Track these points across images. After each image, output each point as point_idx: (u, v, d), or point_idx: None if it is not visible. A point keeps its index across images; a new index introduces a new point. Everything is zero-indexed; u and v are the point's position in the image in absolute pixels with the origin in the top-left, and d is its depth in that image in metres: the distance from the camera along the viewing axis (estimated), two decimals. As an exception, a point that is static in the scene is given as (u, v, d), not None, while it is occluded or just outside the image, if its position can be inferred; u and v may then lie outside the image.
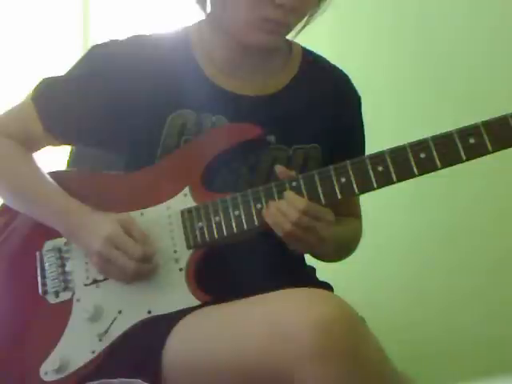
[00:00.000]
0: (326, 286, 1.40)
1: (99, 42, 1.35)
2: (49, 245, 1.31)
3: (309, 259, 1.41)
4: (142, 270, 1.21)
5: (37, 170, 1.33)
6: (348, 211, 1.41)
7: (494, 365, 1.93)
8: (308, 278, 1.39)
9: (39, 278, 1.30)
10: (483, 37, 2.02)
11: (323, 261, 1.40)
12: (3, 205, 1.37)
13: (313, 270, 1.44)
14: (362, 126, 1.46)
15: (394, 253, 2.15)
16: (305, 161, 1.34)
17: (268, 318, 1.06)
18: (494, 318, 1.98)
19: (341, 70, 1.44)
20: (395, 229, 2.15)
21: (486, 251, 2.00)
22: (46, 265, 1.30)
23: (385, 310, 2.06)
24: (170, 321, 1.18)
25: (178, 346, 1.15)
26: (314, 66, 1.40)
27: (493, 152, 1.15)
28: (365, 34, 2.24)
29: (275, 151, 1.32)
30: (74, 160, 1.51)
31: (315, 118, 1.36)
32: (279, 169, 1.23)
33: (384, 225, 2.06)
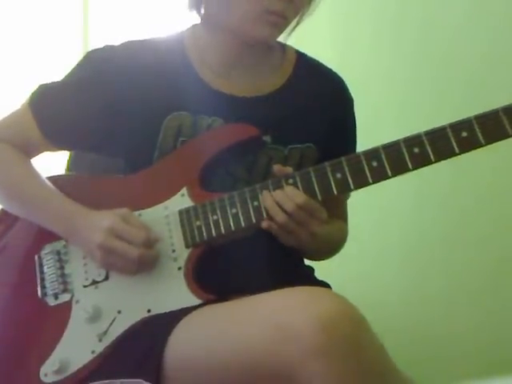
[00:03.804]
0: (325, 286, 1.40)
1: (95, 48, 1.37)
2: (47, 248, 1.32)
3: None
4: (146, 257, 1.21)
5: (34, 173, 1.34)
6: (337, 214, 1.43)
7: (493, 366, 1.92)
8: (307, 277, 1.40)
9: (38, 281, 1.30)
10: (483, 37, 2.02)
11: (306, 258, 1.42)
12: (2, 210, 1.38)
13: (311, 269, 1.45)
14: (355, 126, 1.49)
15: (395, 254, 2.15)
16: (300, 160, 1.35)
17: (270, 317, 1.05)
18: (495, 319, 1.97)
19: (335, 72, 1.46)
20: (396, 230, 2.14)
21: (487, 253, 2.00)
22: (45, 268, 1.31)
23: (385, 311, 2.05)
24: (171, 319, 1.18)
25: (180, 345, 1.14)
26: (308, 67, 1.42)
27: (486, 145, 1.16)
28: (366, 35, 2.24)
29: (271, 151, 1.33)
30: (72, 164, 1.52)
31: (310, 117, 1.38)
32: (276, 167, 1.24)
33: (385, 226, 2.06)
